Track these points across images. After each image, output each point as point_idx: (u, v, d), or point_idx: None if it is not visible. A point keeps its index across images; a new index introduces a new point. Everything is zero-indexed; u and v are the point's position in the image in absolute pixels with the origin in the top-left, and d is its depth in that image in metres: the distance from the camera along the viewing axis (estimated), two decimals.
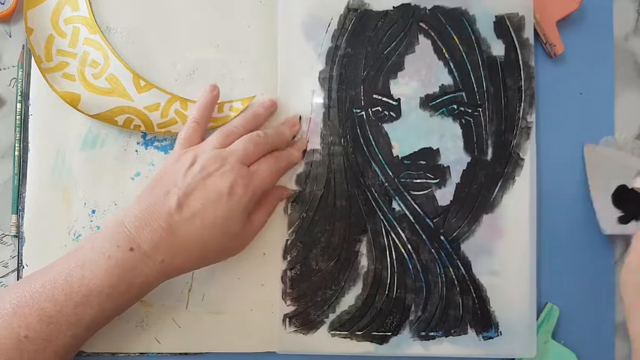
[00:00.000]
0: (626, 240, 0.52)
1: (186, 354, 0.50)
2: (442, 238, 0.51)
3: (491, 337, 0.51)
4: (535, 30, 0.53)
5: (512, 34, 0.52)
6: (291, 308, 0.50)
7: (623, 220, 0.52)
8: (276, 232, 0.51)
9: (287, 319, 0.50)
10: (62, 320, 0.40)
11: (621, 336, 0.53)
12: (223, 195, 0.42)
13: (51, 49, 0.49)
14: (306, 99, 0.51)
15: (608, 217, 0.52)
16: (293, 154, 0.50)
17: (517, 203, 0.51)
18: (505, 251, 0.51)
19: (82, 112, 0.49)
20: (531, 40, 0.52)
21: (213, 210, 0.42)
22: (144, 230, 0.41)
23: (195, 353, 0.50)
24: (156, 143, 0.51)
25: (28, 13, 0.49)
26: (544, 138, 0.53)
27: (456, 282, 0.51)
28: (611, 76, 0.55)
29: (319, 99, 0.51)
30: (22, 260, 0.50)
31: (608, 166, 0.53)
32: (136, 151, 0.51)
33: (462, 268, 0.51)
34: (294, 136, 0.51)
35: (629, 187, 0.52)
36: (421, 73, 0.51)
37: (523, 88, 0.52)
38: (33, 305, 0.39)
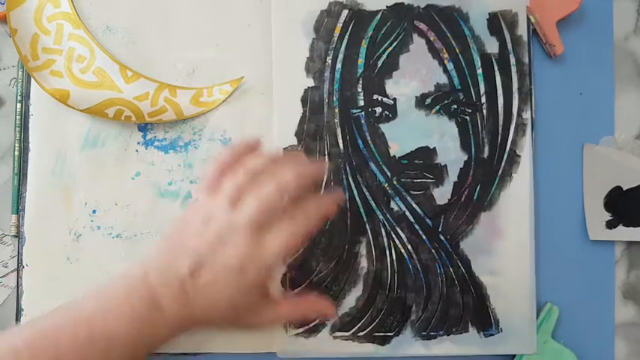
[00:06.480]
0: None
1: (185, 354, 0.50)
2: (441, 237, 0.51)
3: (492, 335, 0.50)
4: (535, 30, 0.53)
5: (506, 31, 0.52)
6: None
7: (610, 225, 0.52)
8: None
9: (288, 322, 0.50)
10: None
11: (621, 336, 0.53)
12: (234, 271, 0.40)
13: (36, 48, 0.49)
14: (302, 100, 0.51)
15: (596, 221, 0.52)
16: (319, 209, 0.43)
17: (515, 201, 0.51)
18: (504, 249, 0.51)
19: (72, 108, 0.49)
20: (525, 37, 0.52)
21: (224, 283, 0.40)
22: (163, 288, 0.40)
23: (195, 353, 0.50)
24: (156, 143, 0.51)
25: (10, 13, 0.49)
26: (544, 138, 0.53)
27: (456, 281, 0.51)
28: (611, 76, 0.54)
29: (316, 100, 0.51)
30: (22, 260, 0.50)
31: (606, 167, 0.53)
32: (136, 151, 0.51)
33: (461, 266, 0.51)
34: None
35: (624, 188, 0.53)
36: (416, 72, 0.51)
37: (517, 85, 0.52)
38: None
